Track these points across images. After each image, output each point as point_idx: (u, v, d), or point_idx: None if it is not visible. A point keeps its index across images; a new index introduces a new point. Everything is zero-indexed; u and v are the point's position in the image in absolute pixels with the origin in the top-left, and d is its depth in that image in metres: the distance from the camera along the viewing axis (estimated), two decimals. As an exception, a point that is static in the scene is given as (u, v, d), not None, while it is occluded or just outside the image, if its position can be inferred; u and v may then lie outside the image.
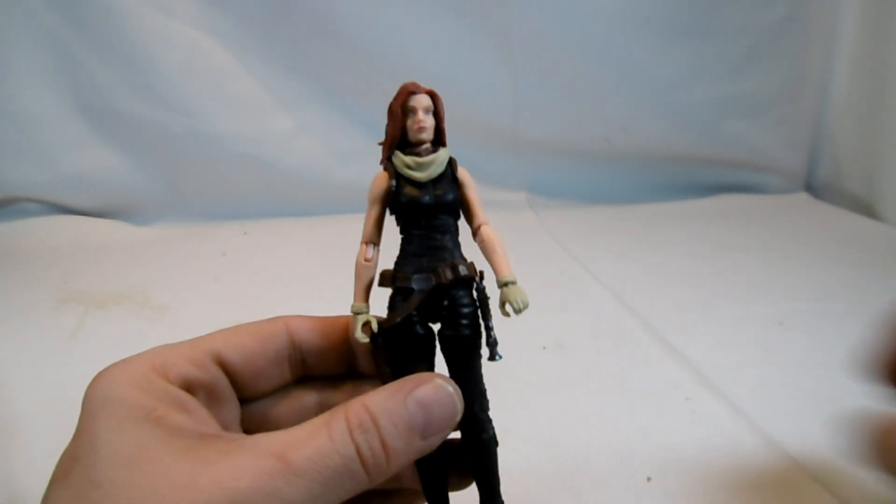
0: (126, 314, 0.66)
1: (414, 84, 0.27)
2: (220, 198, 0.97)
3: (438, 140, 0.27)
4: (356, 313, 0.26)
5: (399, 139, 0.27)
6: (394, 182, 0.26)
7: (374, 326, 0.26)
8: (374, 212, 0.27)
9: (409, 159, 0.26)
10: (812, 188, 1.08)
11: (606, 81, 1.00)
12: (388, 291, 0.27)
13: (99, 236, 0.89)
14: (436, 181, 0.26)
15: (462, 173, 0.27)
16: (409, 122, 0.26)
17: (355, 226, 1.04)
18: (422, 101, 0.26)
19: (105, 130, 0.92)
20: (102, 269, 0.79)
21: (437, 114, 0.27)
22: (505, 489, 0.27)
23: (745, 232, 0.90)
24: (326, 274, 0.77)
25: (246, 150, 0.94)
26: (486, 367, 0.26)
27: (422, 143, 0.26)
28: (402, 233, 0.27)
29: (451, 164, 0.27)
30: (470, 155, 1.21)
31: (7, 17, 0.85)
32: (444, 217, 0.26)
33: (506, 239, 0.27)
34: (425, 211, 0.26)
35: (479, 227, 0.27)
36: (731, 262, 0.78)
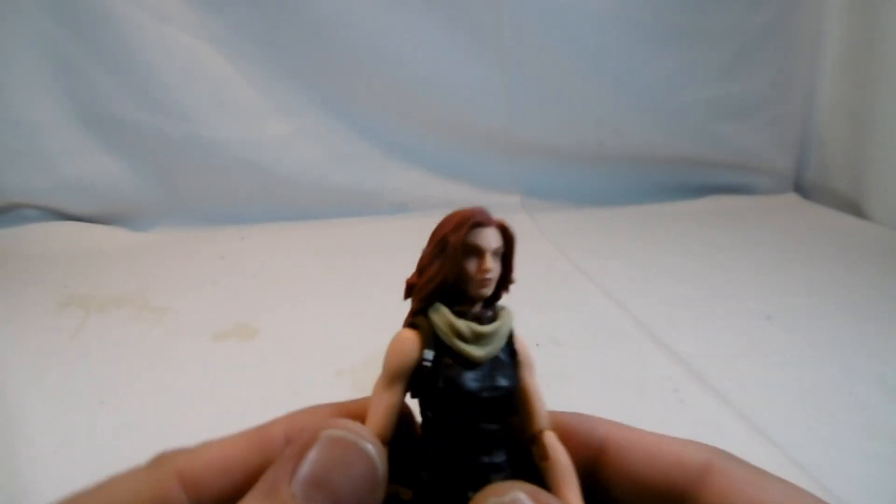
0: (126, 317, 0.67)
1: (480, 211, 0.18)
2: (218, 203, 0.98)
3: (498, 292, 0.19)
4: None
5: (444, 286, 0.18)
6: (429, 354, 0.18)
7: None
8: (390, 396, 0.18)
9: (461, 324, 0.18)
10: (801, 188, 1.09)
11: (598, 85, 1.01)
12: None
13: (98, 241, 0.89)
14: (491, 361, 0.18)
15: (521, 346, 0.19)
16: (472, 269, 0.18)
17: (352, 230, 1.05)
18: (491, 240, 0.18)
19: (104, 137, 0.93)
20: (102, 273, 0.79)
21: (508, 257, 0.19)
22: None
23: (735, 231, 0.91)
24: (324, 277, 0.78)
25: (243, 156, 0.96)
26: None
27: (479, 298, 0.19)
28: (425, 426, 0.18)
29: (511, 329, 0.19)
30: (464, 158, 1.22)
31: (6, 24, 0.86)
32: (495, 416, 0.18)
33: None
34: (474, 406, 0.17)
35: (539, 432, 0.18)
36: (720, 260, 0.79)
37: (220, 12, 0.91)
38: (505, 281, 0.19)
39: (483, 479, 0.17)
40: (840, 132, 1.03)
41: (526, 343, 0.19)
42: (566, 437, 0.19)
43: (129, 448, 0.45)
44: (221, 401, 0.50)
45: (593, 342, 0.59)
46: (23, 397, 0.51)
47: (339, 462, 0.15)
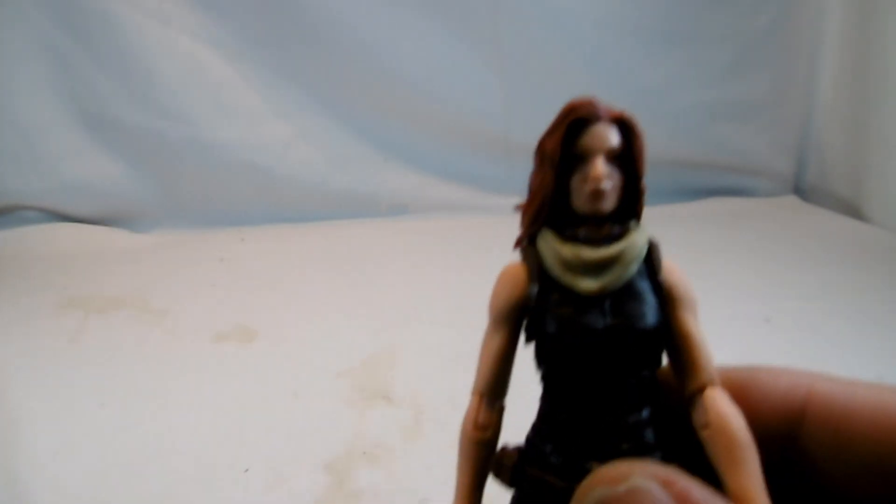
0: (126, 318, 0.67)
1: (588, 101, 0.15)
2: (218, 205, 0.98)
3: (630, 207, 0.15)
4: None
5: (550, 205, 0.15)
6: (534, 289, 0.14)
7: None
8: (497, 341, 0.15)
9: (568, 251, 0.14)
10: (800, 191, 1.09)
11: (597, 87, 0.99)
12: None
13: (98, 243, 0.90)
14: (619, 292, 0.14)
15: (671, 274, 0.15)
16: (576, 180, 0.15)
17: (351, 232, 1.05)
18: (602, 139, 0.15)
19: (104, 139, 0.93)
20: (102, 275, 0.80)
21: (634, 158, 0.15)
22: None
23: (735, 234, 0.91)
24: (323, 279, 0.78)
25: (243, 158, 0.96)
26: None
27: (598, 214, 0.15)
28: (543, 380, 0.15)
29: (652, 255, 0.15)
30: (463, 160, 1.23)
31: (7, 27, 0.87)
32: (629, 363, 0.14)
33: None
34: (593, 350, 0.14)
35: (701, 388, 0.14)
36: (720, 263, 0.79)
37: (219, 15, 0.91)
38: (637, 188, 0.15)
39: (612, 447, 0.13)
40: (840, 134, 1.03)
41: (683, 276, 0.15)
42: (746, 397, 0.14)
43: (129, 450, 0.45)
44: (221, 403, 0.50)
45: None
46: (22, 399, 0.52)
47: None
